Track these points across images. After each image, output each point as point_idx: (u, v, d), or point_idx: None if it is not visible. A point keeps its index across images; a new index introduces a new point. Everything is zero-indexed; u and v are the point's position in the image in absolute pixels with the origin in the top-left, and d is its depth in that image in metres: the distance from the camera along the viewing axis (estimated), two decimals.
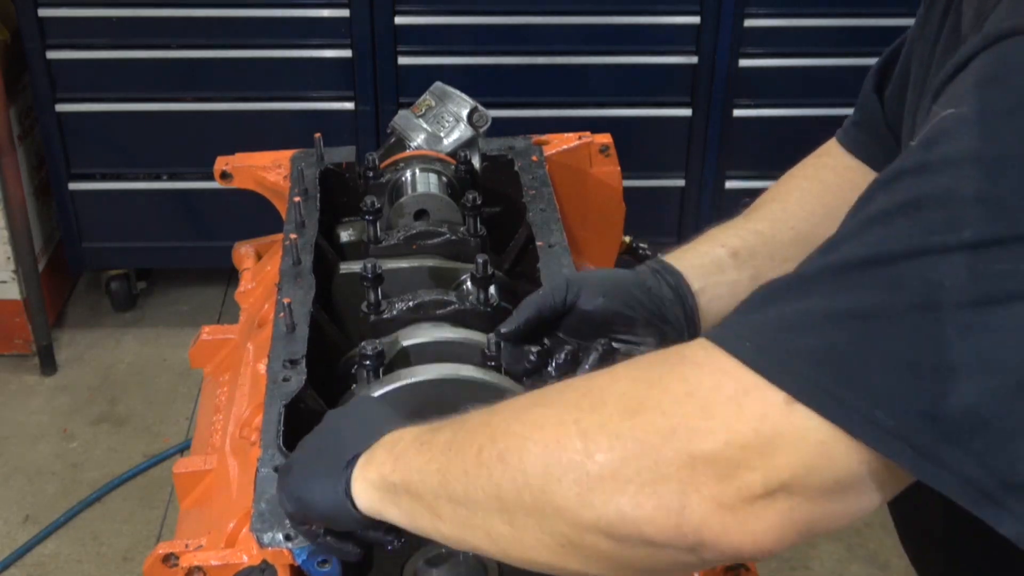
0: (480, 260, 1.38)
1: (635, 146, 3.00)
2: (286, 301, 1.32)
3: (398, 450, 0.96)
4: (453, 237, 1.52)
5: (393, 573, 1.11)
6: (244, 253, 1.80)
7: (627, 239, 1.80)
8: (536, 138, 1.78)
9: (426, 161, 1.67)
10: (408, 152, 1.69)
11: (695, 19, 3.12)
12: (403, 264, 1.47)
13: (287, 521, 1.07)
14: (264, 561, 1.07)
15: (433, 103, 1.73)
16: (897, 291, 0.75)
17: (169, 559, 1.12)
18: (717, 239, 1.28)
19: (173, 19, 3.13)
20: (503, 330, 1.23)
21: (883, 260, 0.76)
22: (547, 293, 1.23)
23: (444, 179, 1.65)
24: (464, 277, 1.46)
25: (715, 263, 1.26)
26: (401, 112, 1.74)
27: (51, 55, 3.14)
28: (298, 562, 1.04)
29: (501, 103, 2.91)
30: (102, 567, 2.75)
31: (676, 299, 1.23)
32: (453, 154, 1.69)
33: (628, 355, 1.18)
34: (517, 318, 1.23)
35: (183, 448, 3.00)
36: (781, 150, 3.18)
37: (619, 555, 0.82)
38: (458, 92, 1.73)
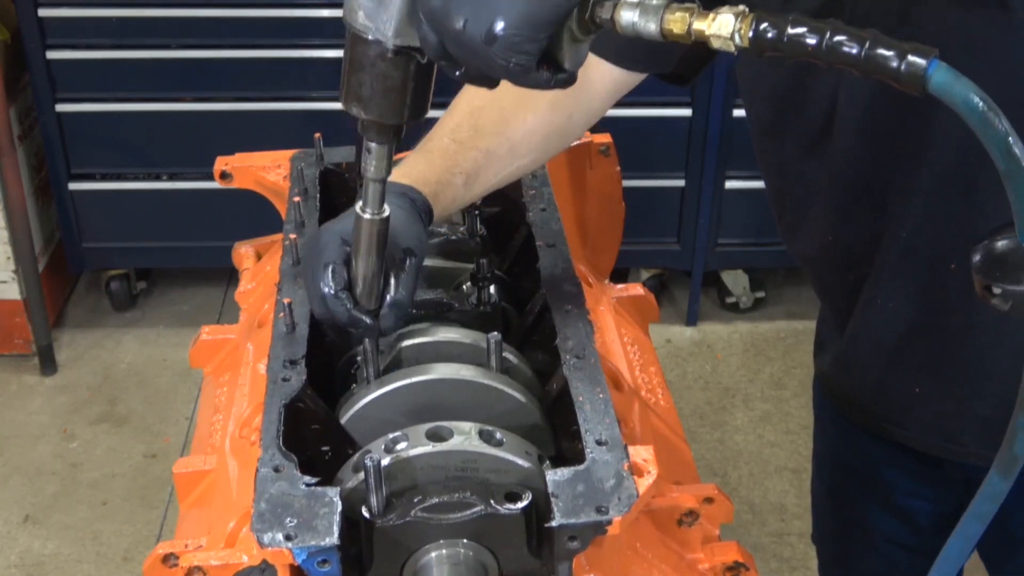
0: (480, 260, 1.38)
1: (635, 146, 2.99)
2: (286, 301, 1.32)
3: None
4: (453, 237, 1.52)
5: (393, 573, 1.11)
6: (244, 253, 1.80)
7: None
8: None
9: None
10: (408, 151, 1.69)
11: None
12: None
13: None
14: (264, 561, 1.07)
15: None
16: None
17: (169, 559, 1.12)
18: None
19: (173, 19, 3.13)
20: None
21: None
22: None
23: None
24: (464, 277, 1.46)
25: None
26: None
27: (51, 55, 3.14)
28: (298, 562, 1.04)
29: None
30: (102, 567, 2.75)
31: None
32: None
33: None
34: None
35: None
36: None
37: None
38: None
